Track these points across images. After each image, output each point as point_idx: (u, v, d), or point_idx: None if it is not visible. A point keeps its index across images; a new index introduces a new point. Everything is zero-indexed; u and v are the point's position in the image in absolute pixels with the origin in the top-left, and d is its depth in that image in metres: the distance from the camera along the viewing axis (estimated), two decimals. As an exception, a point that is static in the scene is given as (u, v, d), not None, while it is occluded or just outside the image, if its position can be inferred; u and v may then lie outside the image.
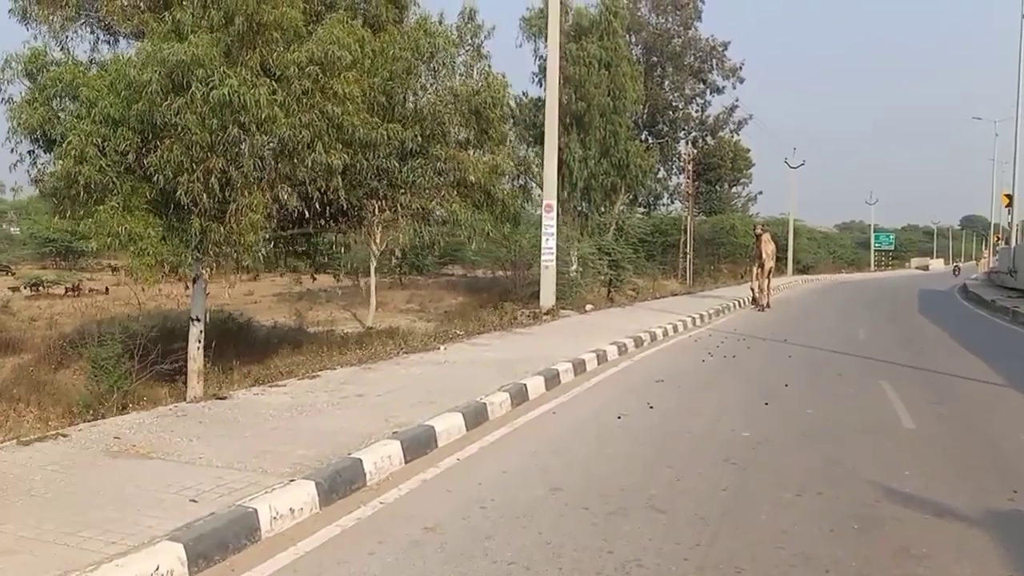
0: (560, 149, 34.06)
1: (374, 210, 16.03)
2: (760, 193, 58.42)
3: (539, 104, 35.61)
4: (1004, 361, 13.37)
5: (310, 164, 13.14)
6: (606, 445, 7.18)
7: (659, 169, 44.29)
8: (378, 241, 16.32)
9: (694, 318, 18.64)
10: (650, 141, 41.50)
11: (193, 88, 11.73)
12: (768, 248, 23.75)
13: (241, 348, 18.00)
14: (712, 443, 7.19)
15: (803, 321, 21.26)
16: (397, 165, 15.09)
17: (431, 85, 16.22)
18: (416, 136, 14.82)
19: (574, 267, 29.81)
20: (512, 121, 37.49)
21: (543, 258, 18.56)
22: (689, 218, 41.10)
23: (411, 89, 14.98)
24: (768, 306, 24.03)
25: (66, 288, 36.96)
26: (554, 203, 18.06)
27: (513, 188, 17.42)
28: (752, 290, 23.77)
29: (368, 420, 7.31)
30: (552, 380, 9.79)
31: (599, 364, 11.58)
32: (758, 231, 24.66)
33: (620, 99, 34.76)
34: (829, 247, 72.09)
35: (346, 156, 13.49)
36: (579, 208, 36.77)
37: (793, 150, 59.30)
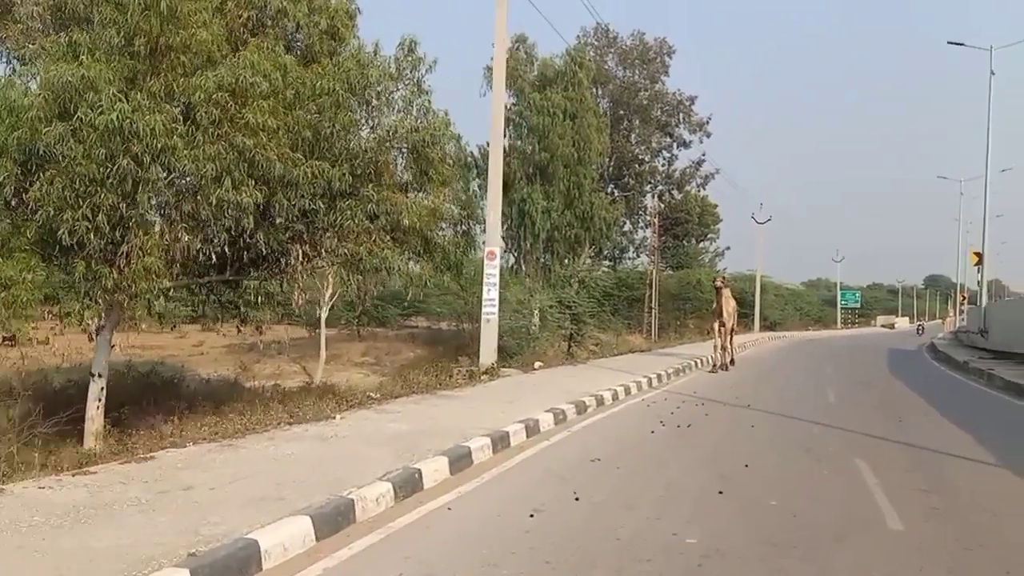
0: (523, 200, 33.11)
1: (297, 255, 14.40)
2: (727, 248, 57.55)
3: (503, 154, 34.50)
4: (990, 432, 11.98)
5: (215, 202, 11.59)
6: (502, 563, 5.37)
7: (625, 222, 43.23)
8: (300, 289, 14.59)
9: (650, 378, 17.06)
10: (616, 194, 40.42)
11: (79, 113, 10.18)
12: (729, 304, 22.28)
13: (162, 405, 16.46)
14: (645, 555, 5.52)
15: (769, 382, 19.76)
16: (323, 206, 13.57)
17: (365, 121, 14.76)
18: (345, 175, 13.34)
19: (535, 320, 28.33)
20: (475, 171, 36.49)
21: (484, 310, 16.96)
22: (655, 272, 39.82)
23: (341, 125, 13.43)
24: (731, 364, 22.49)
25: (3, 337, 34.63)
26: (497, 251, 16.55)
27: (456, 234, 15.84)
28: (715, 348, 22.12)
29: (168, 533, 5.35)
30: (461, 461, 8.05)
31: (527, 437, 9.88)
32: (718, 284, 22.92)
33: (585, 150, 33.71)
34: (796, 304, 71.31)
35: (259, 194, 11.94)
36: (542, 260, 35.44)
37: (760, 205, 58.56)
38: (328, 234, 14.65)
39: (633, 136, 40.69)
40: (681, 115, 41.08)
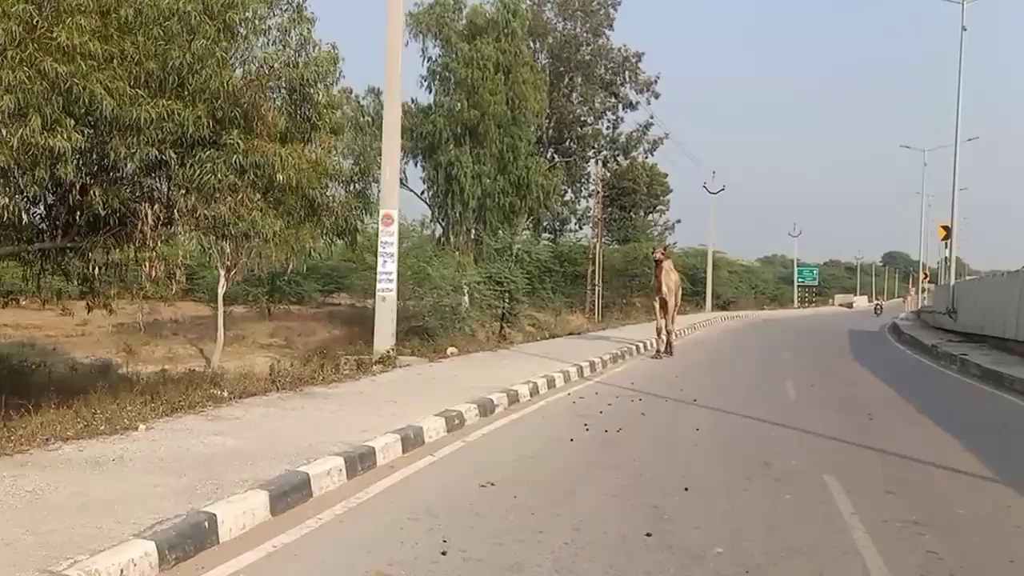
0: (450, 163, 31.14)
1: (146, 218, 12.29)
2: (678, 221, 56.31)
3: (428, 112, 32.44)
4: (977, 434, 10.57)
5: (16, 145, 9.57)
6: None
7: (566, 191, 41.46)
8: (155, 260, 12.50)
9: (582, 367, 15.31)
10: (556, 159, 38.61)
11: None
12: (670, 279, 20.28)
13: (8, 397, 14.39)
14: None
15: (720, 371, 18.20)
16: (175, 157, 11.52)
17: (230, 54, 12.64)
18: (202, 119, 11.25)
19: (464, 299, 26.52)
20: (405, 134, 34.37)
21: (379, 286, 14.99)
22: (598, 246, 38.20)
23: (195, 56, 11.32)
24: (667, 352, 20.10)
25: None
26: (394, 215, 14.53)
27: (349, 195, 13.85)
28: (657, 331, 20.17)
29: None
30: (289, 496, 5.98)
31: (404, 452, 7.89)
32: (657, 255, 20.63)
33: (520, 109, 31.90)
34: (751, 281, 70.71)
35: (80, 137, 9.89)
36: (472, 231, 33.62)
37: (712, 174, 57.26)
38: (183, 192, 12.61)
39: (575, 95, 38.87)
40: (627, 73, 39.37)
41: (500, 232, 30.76)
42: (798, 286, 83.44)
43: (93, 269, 13.31)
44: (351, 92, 33.16)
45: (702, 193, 56.57)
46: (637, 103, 39.84)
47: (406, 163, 34.06)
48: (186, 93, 11.54)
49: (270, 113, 12.64)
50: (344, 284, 45.41)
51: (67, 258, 13.58)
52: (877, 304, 66.49)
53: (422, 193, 33.15)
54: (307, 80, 13.21)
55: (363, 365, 13.30)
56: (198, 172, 11.64)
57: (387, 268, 14.60)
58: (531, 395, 12.14)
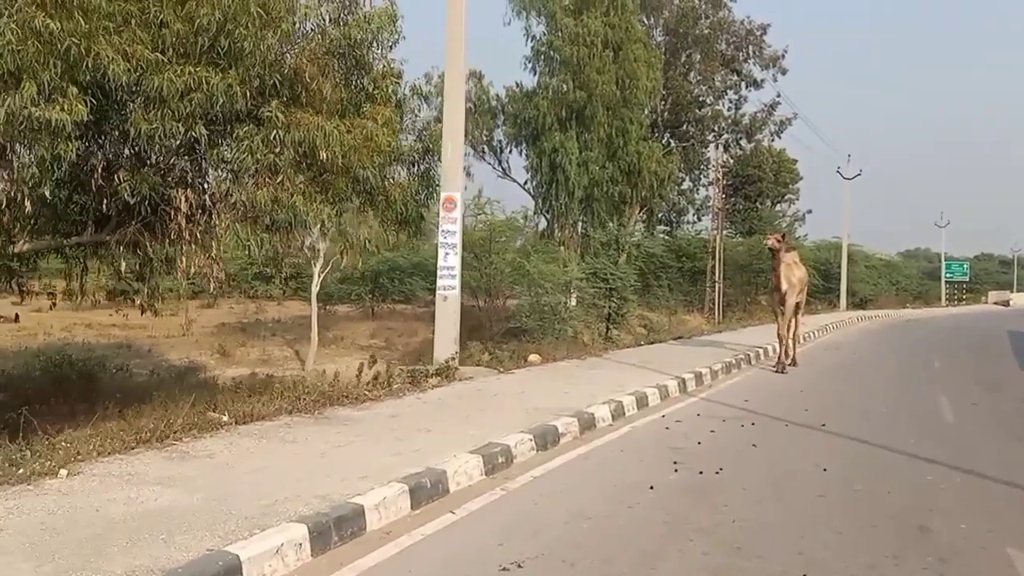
0: (554, 150, 29.29)
1: (180, 205, 11.03)
2: (809, 212, 52.76)
3: (530, 95, 30.69)
4: None
5: (3, 117, 8.45)
6: None
7: (683, 178, 38.94)
8: (196, 254, 11.23)
9: (685, 380, 13.27)
10: (672, 144, 36.17)
11: None
12: (792, 273, 17.47)
13: (74, 404, 13.79)
14: None
15: (855, 383, 15.71)
16: (205, 134, 10.15)
17: (269, 9, 11.15)
18: (233, 87, 9.87)
19: (572, 300, 24.71)
20: (501, 116, 32.82)
21: (439, 283, 13.29)
22: (719, 239, 35.59)
23: (227, 13, 9.98)
24: (791, 363, 17.35)
25: None
26: (457, 197, 12.75)
27: (411, 177, 12.23)
28: (779, 337, 17.37)
29: None
30: None
31: (412, 508, 6.14)
32: (770, 242, 17.37)
33: (631, 89, 29.79)
34: (891, 277, 65.73)
35: (84, 108, 8.66)
36: (578, 224, 31.70)
37: (847, 158, 53.18)
38: (215, 174, 11.30)
39: (692, 75, 36.31)
40: (751, 48, 36.49)
41: (608, 224, 28.64)
42: (946, 282, 77.48)
43: (121, 265, 12.10)
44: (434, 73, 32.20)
45: (835, 181, 52.91)
46: (762, 80, 37.00)
47: (509, 151, 32.63)
48: (219, 59, 10.14)
49: (315, 81, 11.09)
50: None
51: (110, 253, 12.44)
52: (1038, 302, 60.54)
53: (525, 183, 31.48)
54: (357, 41, 11.61)
55: (417, 378, 11.64)
56: (234, 151, 10.26)
57: (449, 262, 12.90)
58: (613, 418, 10.27)
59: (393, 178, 12.31)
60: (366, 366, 12.52)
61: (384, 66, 12.45)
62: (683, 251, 39.05)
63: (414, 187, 12.40)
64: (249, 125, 10.52)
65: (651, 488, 6.99)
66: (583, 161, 29.17)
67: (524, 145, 31.06)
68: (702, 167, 39.16)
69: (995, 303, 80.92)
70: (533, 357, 15.33)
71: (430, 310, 40.09)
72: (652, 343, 21.43)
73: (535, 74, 30.60)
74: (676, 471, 7.62)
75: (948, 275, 77.30)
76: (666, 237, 40.72)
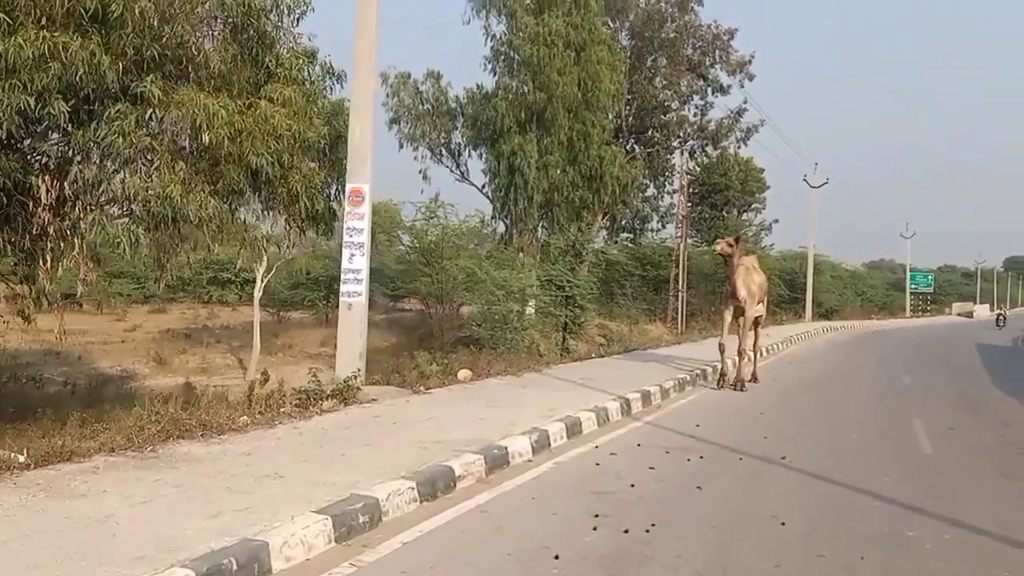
0: (512, 152, 27.67)
1: (40, 197, 9.36)
2: (775, 221, 51.48)
3: (489, 97, 29.07)
4: None
5: None
6: None
7: (648, 185, 37.45)
8: (54, 257, 9.49)
9: (629, 400, 11.70)
10: (637, 150, 34.70)
11: None
12: (751, 280, 15.73)
13: None
14: None
15: (821, 404, 14.20)
16: (66, 111, 8.46)
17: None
18: (97, 56, 8.19)
19: (530, 309, 23.15)
20: (460, 118, 31.18)
21: (343, 289, 11.55)
22: (683, 247, 34.15)
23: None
24: (750, 380, 15.74)
25: None
26: (365, 189, 10.96)
27: (316, 168, 10.49)
28: (721, 351, 15.54)
29: None
30: None
31: None
32: (720, 248, 15.30)
33: (593, 92, 28.34)
34: (856, 287, 64.81)
35: None
36: (538, 229, 30.09)
37: (814, 165, 52.05)
38: (80, 159, 9.60)
39: (658, 79, 34.86)
40: (717, 52, 35.13)
41: (567, 230, 27.05)
42: (911, 293, 76.72)
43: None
44: (408, 76, 30.56)
45: (801, 190, 51.73)
46: (729, 86, 35.59)
47: (468, 155, 31.03)
48: (85, 25, 8.44)
49: (201, 53, 9.35)
50: (412, 288, 42.69)
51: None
52: (999, 314, 59.45)
53: (483, 187, 29.88)
54: (253, 7, 9.89)
55: (311, 399, 9.91)
56: (104, 132, 8.56)
57: (355, 264, 11.17)
58: (534, 452, 8.54)
59: (298, 168, 10.55)
60: (257, 384, 10.77)
61: (290, 41, 10.71)
62: (647, 259, 37.61)
63: (320, 179, 10.64)
64: (124, 104, 8.81)
65: (556, 558, 5.32)
66: (543, 165, 27.72)
67: (483, 148, 29.51)
68: (667, 174, 37.77)
69: (959, 314, 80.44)
70: (463, 373, 13.67)
71: (389, 316, 38.53)
72: (607, 355, 19.79)
73: (495, 75, 29.08)
74: (595, 528, 5.98)
75: (913, 286, 76.66)
76: (629, 244, 39.23)
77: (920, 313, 76.14)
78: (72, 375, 21.73)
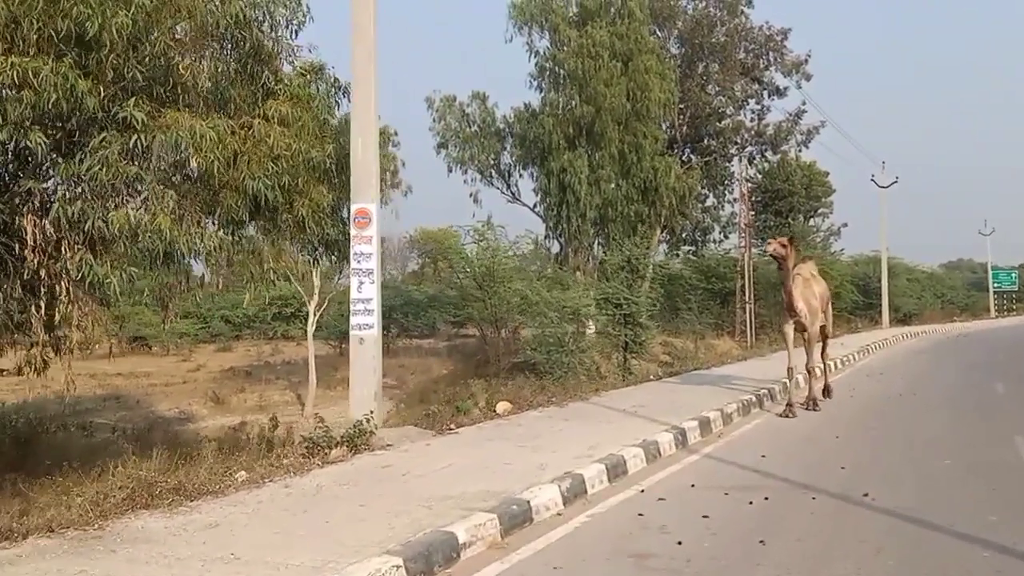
0: (562, 169, 26.59)
1: (29, 236, 8.54)
2: (844, 225, 49.06)
3: (535, 115, 28.11)
4: None
5: None
6: None
7: (707, 195, 35.88)
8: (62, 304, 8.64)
9: (685, 431, 10.32)
10: (692, 159, 33.24)
11: None
12: (811, 290, 14.11)
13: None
14: None
15: (900, 424, 12.49)
16: (44, 143, 7.62)
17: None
18: (71, 80, 7.39)
19: (590, 330, 21.93)
20: (509, 139, 30.29)
21: (352, 321, 10.37)
22: (747, 256, 32.45)
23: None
24: (825, 395, 14.36)
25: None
26: (372, 210, 9.76)
27: (328, 190, 9.49)
28: (789, 375, 13.94)
29: None
30: None
31: None
32: (772, 248, 13.51)
33: (643, 102, 27.16)
34: (935, 290, 61.56)
35: None
36: (593, 246, 28.89)
37: (882, 164, 49.55)
38: (59, 194, 8.79)
39: (711, 86, 33.38)
40: (771, 54, 33.47)
41: (622, 245, 25.73)
42: (994, 292, 72.78)
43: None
44: (454, 99, 29.78)
45: (869, 191, 49.21)
46: (785, 88, 33.86)
47: (519, 175, 30.06)
48: (59, 47, 7.64)
49: (188, 70, 8.44)
50: (468, 314, 42.00)
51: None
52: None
53: (535, 206, 28.86)
54: (243, 19, 8.97)
55: (317, 447, 8.81)
56: (88, 164, 7.73)
57: (364, 293, 10.02)
58: (565, 503, 7.21)
59: (305, 192, 9.54)
60: (267, 428, 9.76)
61: (290, 55, 9.75)
62: (711, 271, 35.97)
63: (328, 202, 9.61)
64: (111, 131, 7.94)
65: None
66: (594, 180, 26.69)
67: (533, 167, 28.53)
68: (726, 182, 36.08)
69: (1048, 312, 76.05)
70: (502, 406, 12.45)
71: (452, 343, 37.71)
72: (666, 376, 18.36)
73: (541, 91, 28.18)
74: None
75: (996, 285, 72.68)
76: (692, 257, 37.62)
77: (1006, 313, 72.16)
78: (129, 419, 21.34)
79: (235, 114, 9.09)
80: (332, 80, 10.18)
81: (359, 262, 9.73)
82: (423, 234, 59.40)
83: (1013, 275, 74.45)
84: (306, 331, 39.66)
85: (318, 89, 10.47)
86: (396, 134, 35.23)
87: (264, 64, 9.34)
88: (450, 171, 29.64)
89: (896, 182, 49.37)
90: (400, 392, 24.54)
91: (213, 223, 9.33)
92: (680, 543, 5.96)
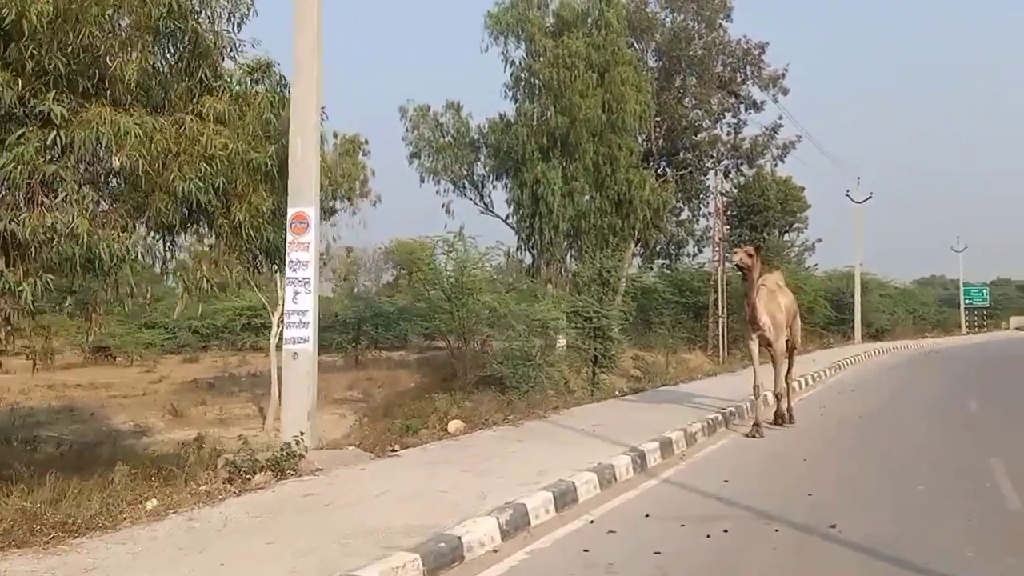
0: (536, 180, 26.03)
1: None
2: (819, 240, 48.76)
3: (509, 125, 27.53)
4: None
5: None
6: None
7: (682, 209, 35.41)
8: None
9: (644, 454, 9.70)
10: (668, 172, 32.79)
11: None
12: (776, 303, 13.37)
13: None
14: None
15: (872, 446, 11.93)
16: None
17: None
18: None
19: (561, 342, 21.33)
20: (484, 149, 29.75)
21: (287, 334, 9.68)
22: (721, 270, 32.00)
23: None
24: (787, 420, 13.49)
25: None
26: (310, 214, 9.05)
27: (265, 195, 8.80)
28: (755, 393, 12.97)
29: None
30: None
31: None
32: (739, 258, 12.81)
33: (618, 113, 26.56)
34: (908, 305, 61.53)
35: None
36: (566, 258, 28.30)
37: (857, 180, 49.50)
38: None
39: (688, 99, 32.96)
40: (748, 68, 33.13)
41: (595, 257, 25.17)
42: (965, 309, 72.94)
43: None
44: (428, 109, 29.20)
45: (844, 207, 49.11)
46: (762, 102, 33.51)
47: (492, 186, 29.47)
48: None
49: (115, 62, 7.77)
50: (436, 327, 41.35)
51: None
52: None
53: (507, 217, 28.24)
54: (181, 10, 8.29)
55: (240, 472, 8.11)
56: (3, 162, 7.04)
57: (300, 304, 9.33)
58: (503, 537, 6.51)
59: (243, 195, 8.86)
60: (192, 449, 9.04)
61: (231, 49, 9.09)
62: (685, 285, 35.58)
63: (268, 206, 8.94)
64: (30, 127, 7.27)
65: None
66: (568, 191, 26.09)
67: (506, 178, 27.93)
68: (702, 196, 35.65)
69: (1017, 329, 76.39)
70: (453, 424, 11.78)
71: (423, 355, 36.96)
72: (633, 392, 17.74)
73: (516, 102, 27.56)
74: None
75: (967, 301, 72.95)
76: (666, 271, 37.16)
77: (976, 329, 72.41)
78: (81, 433, 20.50)
79: (169, 111, 8.43)
80: (278, 78, 9.53)
81: (295, 270, 8.99)
82: (398, 245, 58.73)
83: (984, 292, 74.76)
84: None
85: (265, 88, 9.81)
86: (367, 142, 34.72)
87: (202, 58, 8.68)
88: (423, 181, 29.01)
89: (870, 198, 49.42)
90: (365, 406, 23.85)
91: (143, 228, 8.62)
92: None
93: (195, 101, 8.50)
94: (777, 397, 13.42)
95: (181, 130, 7.99)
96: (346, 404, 26.08)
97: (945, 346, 47.68)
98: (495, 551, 6.31)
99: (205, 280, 8.50)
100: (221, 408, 25.14)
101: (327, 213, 34.25)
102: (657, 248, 35.63)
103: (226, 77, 8.92)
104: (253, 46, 9.03)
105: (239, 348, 40.40)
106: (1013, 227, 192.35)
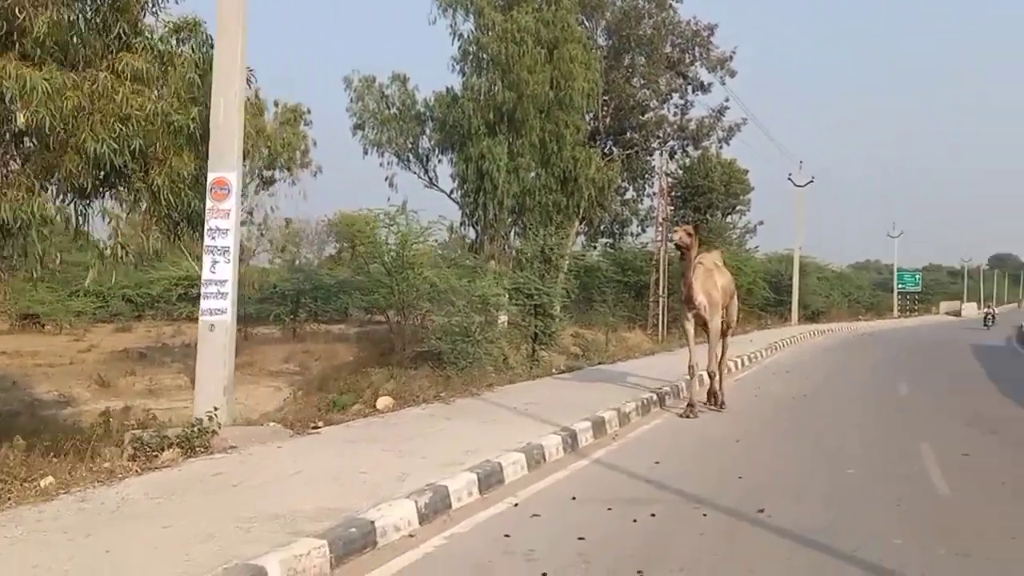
0: (481, 156, 25.61)
1: None
2: (760, 223, 49.22)
3: (456, 99, 27.00)
4: None
5: None
6: None
7: (627, 188, 35.35)
8: None
9: (575, 433, 9.50)
10: (615, 152, 32.60)
11: None
12: (712, 282, 13.11)
13: None
14: None
15: (805, 428, 11.95)
16: None
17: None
18: None
19: (502, 319, 21.05)
20: (429, 123, 29.21)
21: (203, 305, 9.20)
22: (663, 251, 31.99)
23: None
24: (719, 404, 13.28)
25: None
26: (232, 180, 8.55)
27: (182, 157, 8.24)
28: (691, 373, 12.92)
29: None
30: None
31: None
32: (678, 237, 12.63)
33: (566, 91, 26.19)
34: (843, 288, 62.70)
35: None
36: (510, 235, 27.98)
37: (799, 164, 49.99)
38: None
39: (636, 79, 32.79)
40: (697, 50, 33.07)
41: (539, 234, 24.89)
42: (898, 293, 74.61)
43: None
44: (373, 80, 28.56)
45: (786, 192, 49.66)
46: (710, 84, 33.54)
47: (437, 160, 28.97)
48: None
49: (24, 14, 7.14)
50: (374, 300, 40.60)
51: None
52: (988, 312, 56.99)
53: (452, 192, 27.80)
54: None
55: (147, 448, 7.69)
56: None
57: (219, 274, 8.86)
58: (421, 521, 6.21)
59: (163, 159, 8.32)
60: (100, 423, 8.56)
61: (151, 4, 8.49)
62: (627, 264, 35.54)
63: (189, 170, 8.42)
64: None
65: None
66: (513, 168, 25.72)
67: (451, 152, 27.45)
68: (647, 176, 35.64)
69: (947, 313, 78.52)
70: (383, 401, 11.44)
71: (363, 329, 36.35)
72: (570, 370, 17.55)
73: (463, 75, 27.03)
74: None
75: (900, 286, 74.62)
76: (609, 250, 37.10)
77: (908, 313, 74.16)
78: (2, 402, 19.64)
79: (85, 68, 7.85)
80: (206, 38, 8.97)
81: (214, 238, 8.47)
82: (341, 217, 57.75)
83: (917, 277, 76.54)
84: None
85: (191, 47, 9.22)
86: (309, 112, 33.85)
87: (120, 13, 8.10)
88: (366, 153, 28.42)
89: (812, 182, 49.92)
90: (301, 379, 23.37)
91: (53, 190, 8.05)
92: (545, 575, 5.09)
93: (111, 57, 7.93)
94: (711, 376, 13.32)
95: (94, 87, 7.45)
96: (281, 376, 25.52)
97: (878, 329, 48.65)
98: (411, 536, 6.00)
99: (120, 247, 7.98)
100: (151, 379, 24.32)
101: (266, 183, 33.47)
102: (601, 227, 35.58)
103: (147, 34, 8.36)
104: (178, 2, 8.52)
105: (175, 318, 39.28)
106: (946, 215, 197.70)
